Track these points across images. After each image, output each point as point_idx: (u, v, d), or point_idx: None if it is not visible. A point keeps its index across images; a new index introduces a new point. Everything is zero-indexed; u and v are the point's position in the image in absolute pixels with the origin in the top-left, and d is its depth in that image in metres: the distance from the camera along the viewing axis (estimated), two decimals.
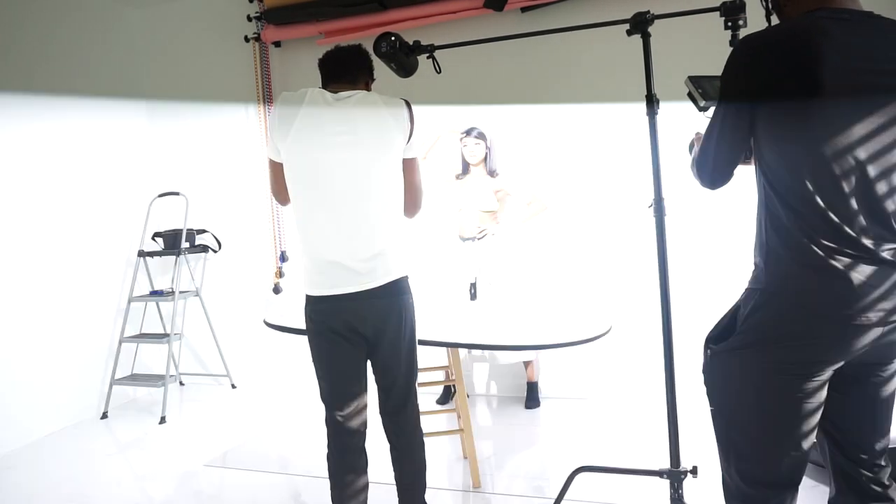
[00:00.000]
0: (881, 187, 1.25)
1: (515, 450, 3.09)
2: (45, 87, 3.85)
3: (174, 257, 4.27)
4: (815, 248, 1.25)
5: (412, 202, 2.11)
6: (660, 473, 2.06)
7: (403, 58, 2.21)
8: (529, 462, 2.93)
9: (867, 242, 1.24)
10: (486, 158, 3.63)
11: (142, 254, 4.32)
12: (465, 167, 3.69)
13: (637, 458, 2.87)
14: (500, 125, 3.78)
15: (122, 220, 4.39)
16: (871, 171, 1.24)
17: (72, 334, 3.96)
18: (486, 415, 3.58)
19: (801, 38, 1.25)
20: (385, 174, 1.98)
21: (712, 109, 1.45)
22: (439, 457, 3.02)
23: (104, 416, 4.01)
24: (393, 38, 2.17)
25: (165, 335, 4.26)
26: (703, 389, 1.51)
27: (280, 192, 2.08)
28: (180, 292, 4.17)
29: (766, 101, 1.28)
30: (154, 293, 4.38)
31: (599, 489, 2.58)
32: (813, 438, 1.35)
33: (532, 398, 3.69)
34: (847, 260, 1.24)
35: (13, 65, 3.68)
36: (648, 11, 1.95)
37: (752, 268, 1.41)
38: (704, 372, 1.44)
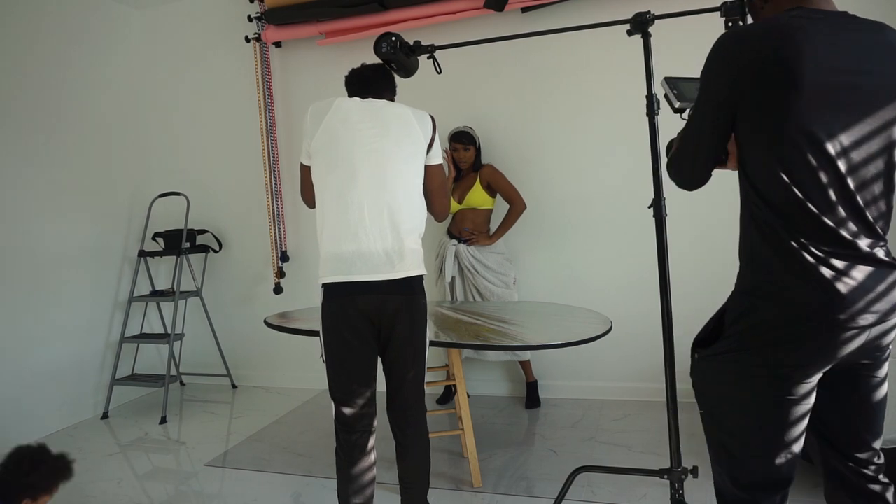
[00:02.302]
0: (864, 194, 1.23)
1: (515, 450, 3.09)
2: (45, 87, 3.86)
3: (175, 257, 4.27)
4: (804, 253, 1.22)
5: (441, 205, 2.22)
6: (660, 473, 2.06)
7: (404, 58, 2.22)
8: (529, 462, 2.93)
9: (862, 244, 1.22)
10: (475, 157, 3.59)
11: (142, 254, 4.32)
12: (458, 171, 3.63)
13: (637, 458, 2.88)
14: (500, 125, 3.78)
15: (122, 220, 4.39)
16: (854, 176, 1.22)
17: (72, 334, 3.96)
18: (486, 415, 3.58)
19: (781, 33, 1.23)
20: (408, 168, 2.04)
21: (688, 111, 1.43)
22: (439, 457, 3.02)
23: (104, 416, 4.01)
24: (393, 39, 2.18)
25: (166, 335, 4.26)
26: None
27: (308, 194, 2.15)
28: (181, 292, 4.18)
29: (746, 95, 1.25)
30: (155, 293, 4.39)
31: (599, 489, 2.58)
32: (802, 441, 1.33)
33: (532, 398, 3.69)
34: (839, 264, 1.21)
35: (13, 64, 3.68)
36: (649, 11, 1.95)
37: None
38: (692, 376, 1.42)
